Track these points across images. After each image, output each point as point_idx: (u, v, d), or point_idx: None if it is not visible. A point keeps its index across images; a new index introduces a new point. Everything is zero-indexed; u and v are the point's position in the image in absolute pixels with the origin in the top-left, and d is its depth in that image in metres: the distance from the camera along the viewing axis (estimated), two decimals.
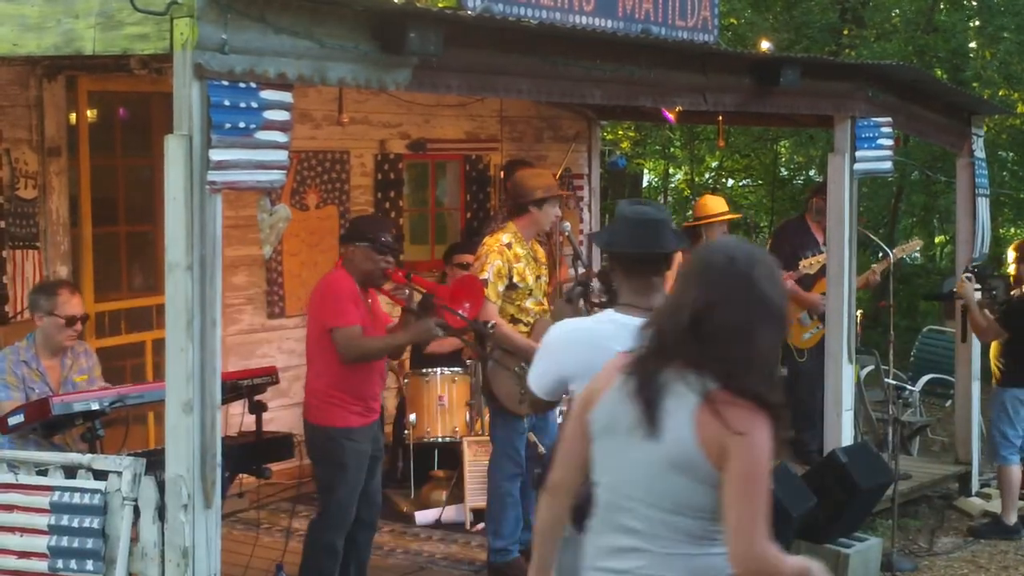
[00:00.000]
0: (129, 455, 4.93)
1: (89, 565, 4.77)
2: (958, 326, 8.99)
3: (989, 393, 8.72)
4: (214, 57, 4.47)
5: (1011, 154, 15.94)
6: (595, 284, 5.19)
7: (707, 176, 19.44)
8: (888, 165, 8.25)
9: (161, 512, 4.68)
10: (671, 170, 19.50)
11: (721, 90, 7.05)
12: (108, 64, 6.82)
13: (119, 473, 4.77)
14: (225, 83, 4.52)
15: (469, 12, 6.18)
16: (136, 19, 4.55)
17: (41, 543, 4.83)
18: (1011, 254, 8.62)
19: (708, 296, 3.01)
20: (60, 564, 4.81)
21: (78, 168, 7.50)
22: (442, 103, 9.21)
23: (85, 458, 4.92)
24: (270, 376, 6.10)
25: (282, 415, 7.37)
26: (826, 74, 7.70)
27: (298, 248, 8.61)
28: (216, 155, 4.48)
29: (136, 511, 4.75)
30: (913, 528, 8.34)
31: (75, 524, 4.79)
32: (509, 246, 6.65)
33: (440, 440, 8.05)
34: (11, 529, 4.93)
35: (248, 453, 5.91)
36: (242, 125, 4.56)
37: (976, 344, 8.98)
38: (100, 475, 4.83)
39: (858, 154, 7.86)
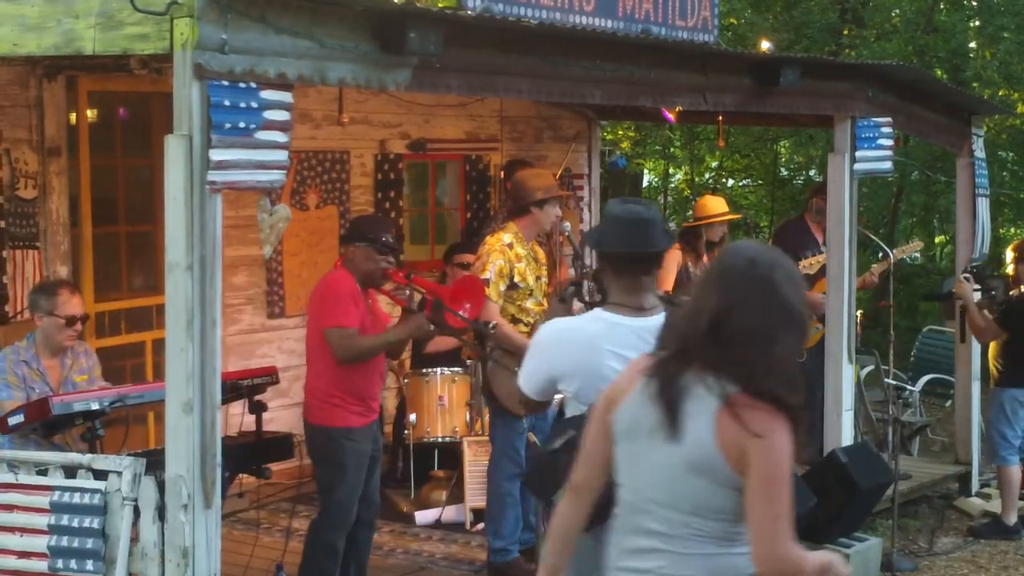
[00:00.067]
0: (129, 455, 4.93)
1: (89, 565, 4.77)
2: (957, 327, 8.99)
3: (989, 393, 8.72)
4: (214, 57, 4.47)
5: (1011, 154, 15.94)
6: (587, 284, 5.18)
7: (707, 176, 19.44)
8: (888, 165, 8.25)
9: (161, 512, 4.68)
10: (671, 170, 19.50)
11: (721, 90, 7.05)
12: (108, 64, 6.82)
13: (119, 473, 4.77)
14: (225, 83, 4.52)
15: (469, 12, 6.18)
16: (136, 19, 4.55)
17: (41, 543, 4.83)
18: (1009, 254, 8.62)
19: (728, 299, 3.03)
20: (60, 564, 4.81)
21: (78, 168, 7.50)
22: (442, 103, 9.22)
23: (85, 458, 4.92)
24: (270, 376, 6.10)
25: (282, 415, 7.37)
26: (826, 74, 7.70)
27: (298, 248, 8.61)
28: (216, 155, 4.48)
29: (136, 511, 4.75)
30: (913, 528, 8.34)
31: (75, 524, 4.79)
32: (510, 246, 6.65)
33: (440, 440, 8.05)
34: (11, 529, 4.93)
35: (248, 453, 5.92)
36: (242, 125, 4.56)
37: (976, 344, 8.98)
38: (100, 475, 4.83)
39: (858, 154, 7.85)
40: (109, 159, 7.89)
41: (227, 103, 4.51)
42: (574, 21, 6.79)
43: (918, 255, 17.84)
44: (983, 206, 9.27)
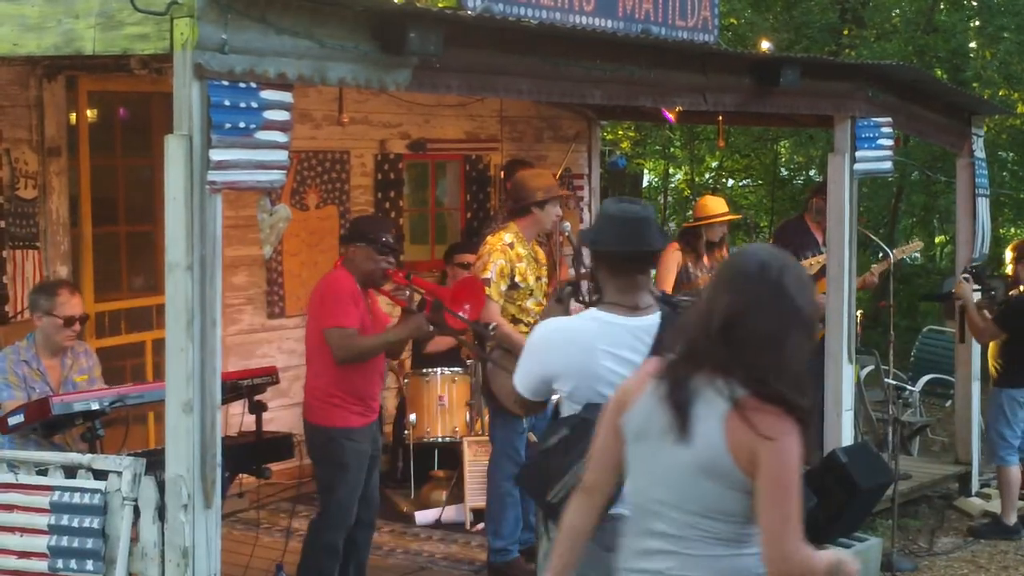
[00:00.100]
0: (129, 455, 4.93)
1: (89, 565, 4.77)
2: (957, 327, 8.99)
3: (988, 393, 8.72)
4: (214, 57, 4.47)
5: (1011, 154, 15.94)
6: (585, 284, 5.19)
7: (707, 176, 19.43)
8: (888, 165, 8.24)
9: (161, 512, 4.68)
10: (671, 170, 19.50)
11: (721, 90, 7.05)
12: (108, 64, 6.82)
13: (119, 473, 4.77)
14: (225, 83, 4.52)
15: (469, 12, 6.18)
16: (136, 19, 4.55)
17: (41, 543, 4.83)
18: (1009, 254, 8.61)
19: (738, 302, 3.04)
20: (60, 564, 4.81)
21: (78, 168, 7.50)
22: (442, 103, 9.21)
23: (85, 458, 4.92)
24: (270, 376, 6.10)
25: (282, 415, 7.37)
26: (826, 74, 7.70)
27: (298, 248, 8.61)
28: (216, 155, 4.48)
29: (136, 511, 4.75)
30: (913, 528, 8.34)
31: (75, 524, 4.79)
32: (511, 246, 6.66)
33: (440, 440, 8.05)
34: (11, 529, 4.93)
35: (248, 453, 5.91)
36: (242, 125, 4.56)
37: (976, 344, 8.98)
38: (100, 475, 4.83)
39: (858, 154, 7.85)
40: (109, 159, 7.88)
41: (227, 103, 4.51)
42: (574, 21, 6.79)
43: (918, 255, 17.84)
44: (983, 206, 9.27)
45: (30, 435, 5.62)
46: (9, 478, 4.97)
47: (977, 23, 15.98)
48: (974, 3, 16.45)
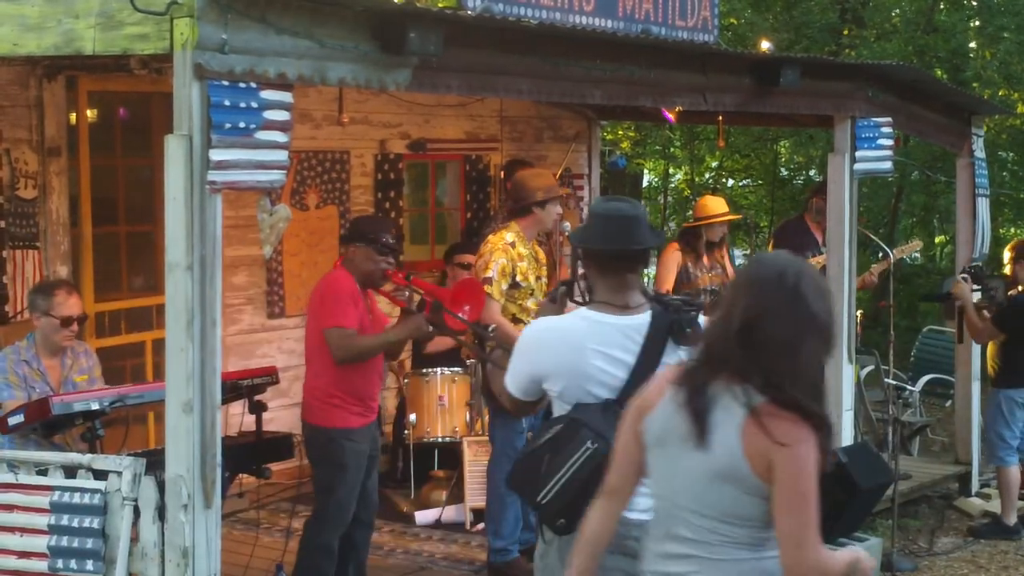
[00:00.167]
0: (129, 455, 4.93)
1: (89, 565, 4.77)
2: (956, 327, 8.98)
3: (988, 394, 8.72)
4: (214, 57, 4.47)
5: (1011, 154, 15.93)
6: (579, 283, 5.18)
7: (707, 176, 19.43)
8: (888, 165, 8.24)
9: (161, 512, 4.68)
10: (671, 170, 19.50)
11: (721, 90, 7.05)
12: (108, 64, 6.82)
13: (119, 473, 4.77)
14: (225, 83, 4.52)
15: (469, 12, 6.19)
16: (136, 19, 4.55)
17: (41, 543, 4.83)
18: (1007, 254, 8.61)
19: (755, 308, 3.07)
20: (60, 564, 4.81)
21: (78, 168, 7.50)
22: (442, 103, 9.21)
23: (85, 458, 4.92)
24: (270, 376, 6.10)
25: (282, 415, 7.37)
26: (826, 74, 7.70)
27: (298, 248, 8.61)
28: (216, 155, 4.48)
29: (136, 511, 4.75)
30: (913, 528, 8.34)
31: (75, 524, 4.79)
32: (513, 245, 6.66)
33: (440, 440, 8.05)
34: (11, 529, 4.93)
35: (248, 453, 5.91)
36: (242, 125, 4.56)
37: (976, 344, 8.97)
38: (100, 475, 4.83)
39: (858, 154, 7.85)
40: (109, 159, 7.88)
41: (227, 103, 4.51)
42: (574, 21, 6.79)
43: (918, 255, 17.85)
44: (983, 206, 9.27)
45: (30, 435, 5.63)
46: (9, 478, 4.97)
47: (977, 23, 15.98)
48: (974, 3, 16.45)
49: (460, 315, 6.10)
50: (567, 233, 6.95)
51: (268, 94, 4.66)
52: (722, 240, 8.50)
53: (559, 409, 3.96)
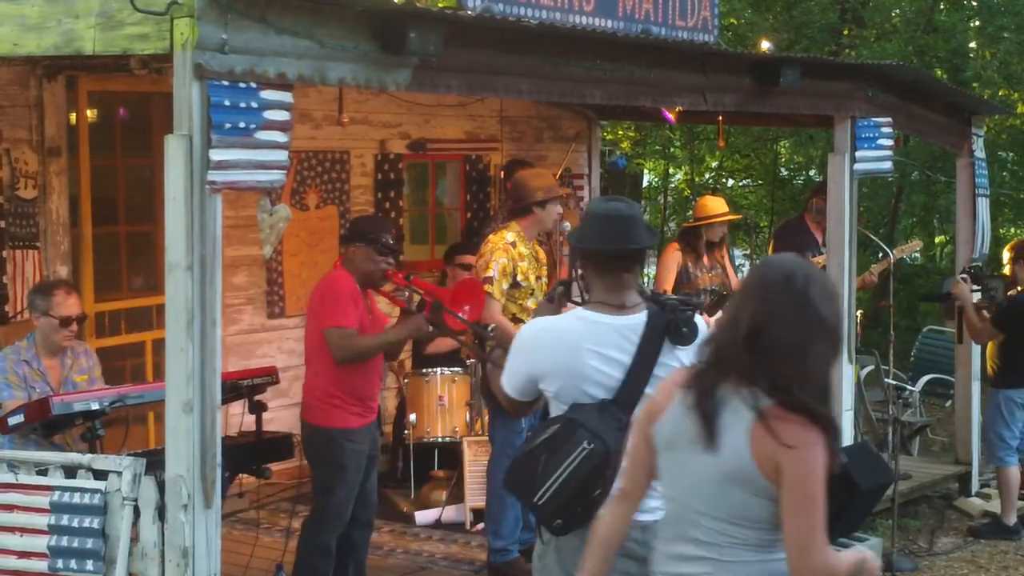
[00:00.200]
0: (129, 455, 4.93)
1: (89, 565, 4.77)
2: (956, 327, 8.98)
3: (987, 394, 8.72)
4: (214, 57, 4.47)
5: (1011, 154, 15.93)
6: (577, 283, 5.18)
7: (707, 176, 19.42)
8: (888, 165, 8.25)
9: (161, 512, 4.68)
10: (671, 170, 19.49)
11: (721, 90, 7.05)
12: (108, 64, 6.82)
13: (119, 473, 4.77)
14: (225, 83, 4.52)
15: (469, 12, 6.19)
16: (136, 19, 4.55)
17: (41, 543, 4.83)
18: (1006, 255, 8.61)
19: (763, 311, 3.09)
20: (60, 564, 4.81)
21: (78, 168, 7.50)
22: (442, 103, 9.22)
23: (85, 458, 4.93)
24: (270, 376, 6.10)
25: (282, 415, 7.37)
26: (826, 74, 7.70)
27: (298, 248, 8.61)
28: (216, 155, 4.48)
29: (136, 511, 4.75)
30: (913, 528, 8.34)
31: (75, 524, 4.79)
32: (513, 244, 6.66)
33: (440, 440, 8.05)
34: (11, 529, 4.93)
35: (248, 453, 5.92)
36: (242, 125, 4.56)
37: (975, 344, 8.97)
38: (100, 475, 4.83)
39: (858, 154, 7.86)
40: (109, 159, 7.88)
41: (227, 103, 4.51)
42: (574, 21, 6.79)
43: (918, 255, 17.84)
44: (983, 206, 9.27)
45: (30, 435, 5.63)
46: (9, 478, 4.97)
47: (977, 23, 15.97)
48: (974, 3, 16.44)
49: (460, 315, 6.10)
50: (567, 233, 6.95)
51: (268, 94, 4.67)
52: (722, 240, 8.50)
53: (555, 409, 3.96)
